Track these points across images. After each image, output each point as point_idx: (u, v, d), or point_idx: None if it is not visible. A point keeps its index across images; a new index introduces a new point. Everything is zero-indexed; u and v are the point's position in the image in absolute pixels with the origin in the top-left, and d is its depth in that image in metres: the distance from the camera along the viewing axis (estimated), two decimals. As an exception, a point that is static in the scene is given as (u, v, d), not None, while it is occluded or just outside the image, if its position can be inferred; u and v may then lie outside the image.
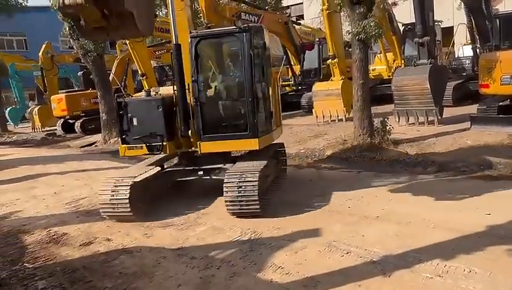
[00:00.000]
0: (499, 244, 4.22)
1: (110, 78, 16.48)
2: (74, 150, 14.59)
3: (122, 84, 17.79)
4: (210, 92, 6.51)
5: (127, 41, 14.21)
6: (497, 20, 12.11)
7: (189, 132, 6.20)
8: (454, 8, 21.26)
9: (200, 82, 6.12)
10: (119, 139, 6.43)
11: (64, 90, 20.08)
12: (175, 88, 6.14)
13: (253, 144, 6.07)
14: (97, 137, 15.40)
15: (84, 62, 15.03)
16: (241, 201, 5.51)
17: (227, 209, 5.63)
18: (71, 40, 13.98)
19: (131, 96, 5.98)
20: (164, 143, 6.12)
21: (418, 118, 10.67)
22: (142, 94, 6.69)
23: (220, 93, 6.68)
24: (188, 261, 4.51)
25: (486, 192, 5.91)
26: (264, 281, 3.94)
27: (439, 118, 10.43)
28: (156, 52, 18.58)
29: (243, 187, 5.48)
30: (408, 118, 10.86)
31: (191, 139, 6.29)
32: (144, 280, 4.20)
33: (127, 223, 5.85)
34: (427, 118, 10.49)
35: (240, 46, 6.04)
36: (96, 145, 14.71)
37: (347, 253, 4.34)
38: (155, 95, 6.64)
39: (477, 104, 10.42)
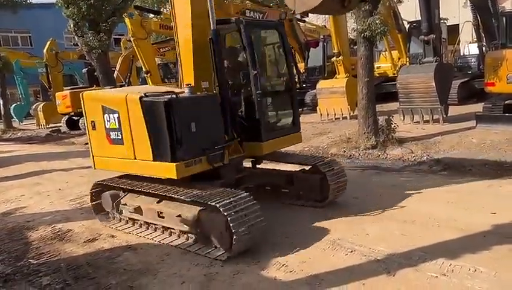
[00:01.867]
0: (504, 243, 4.19)
1: (115, 75, 16.55)
2: (79, 147, 14.62)
3: (127, 81, 17.84)
4: (267, 86, 5.98)
5: (132, 39, 14.23)
6: (504, 18, 12.01)
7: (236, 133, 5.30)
8: (460, 6, 21.17)
9: (260, 74, 5.35)
10: (167, 156, 4.56)
11: (68, 87, 20.15)
12: (216, 84, 5.20)
13: (298, 138, 5.97)
14: (101, 134, 15.42)
15: (88, 59, 15.05)
16: None
17: None
18: (75, 37, 13.98)
19: (148, 96, 4.67)
20: (224, 151, 4.98)
21: (423, 116, 10.62)
22: (175, 90, 5.19)
23: (271, 86, 6.23)
24: (192, 258, 4.51)
25: (492, 191, 5.88)
26: (268, 279, 3.94)
27: (445, 116, 10.38)
28: (161, 50, 18.61)
29: None
30: (413, 116, 10.82)
31: (234, 144, 5.32)
32: (148, 276, 4.20)
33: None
34: (432, 116, 10.44)
35: (279, 38, 5.81)
36: (100, 142, 14.72)
37: (351, 251, 4.32)
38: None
39: (483, 103, 10.37)
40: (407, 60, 15.55)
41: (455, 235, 4.50)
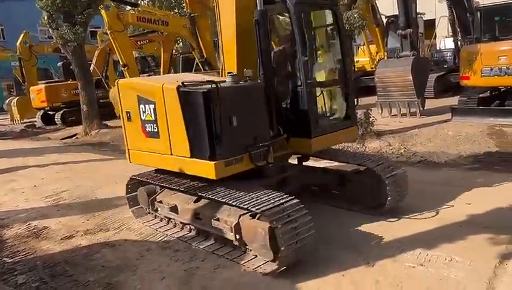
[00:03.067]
0: (479, 233, 4.29)
1: (91, 68, 16.21)
2: (54, 142, 14.30)
3: (104, 75, 17.51)
4: (318, 75, 5.22)
5: (108, 31, 13.95)
6: (478, 12, 12.26)
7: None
8: (436, 1, 21.47)
9: (310, 62, 4.74)
10: (205, 153, 4.09)
11: (43, 81, 19.65)
12: (261, 72, 4.61)
13: (353, 134, 5.39)
14: (78, 129, 15.14)
15: (63, 52, 14.71)
16: None
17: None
18: (50, 29, 13.65)
19: (185, 85, 4.18)
20: (269, 149, 4.43)
21: (400, 109, 10.79)
22: (215, 79, 4.49)
23: (324, 75, 5.42)
24: (172, 253, 4.47)
25: (467, 182, 6.01)
26: (249, 272, 3.94)
27: (421, 109, 10.56)
28: (138, 43, 18.28)
29: None
30: (391, 110, 10.97)
31: (281, 140, 4.82)
32: (127, 273, 4.15)
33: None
34: (409, 110, 10.61)
35: (334, 20, 5.14)
36: (77, 137, 14.45)
37: (329, 243, 4.36)
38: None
39: (458, 96, 10.59)
40: (385, 54, 15.74)
41: (431, 226, 4.59)
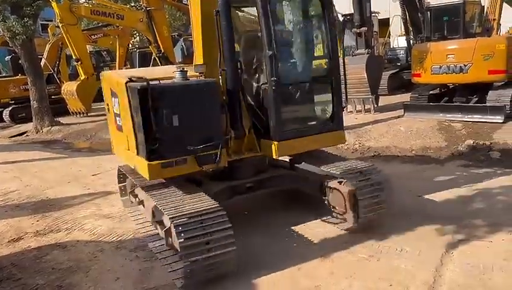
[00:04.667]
0: (428, 224, 4.48)
1: (42, 63, 15.53)
2: (3, 141, 13.59)
3: (55, 69, 16.83)
4: (288, 71, 4.71)
5: (60, 24, 13.41)
6: (429, 12, 12.77)
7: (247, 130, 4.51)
8: (390, 0, 22.14)
9: (278, 56, 4.22)
10: (143, 152, 3.87)
11: (-11, 76, 18.62)
12: (223, 68, 4.31)
13: (339, 138, 4.83)
14: (28, 126, 14.47)
15: (12, 46, 13.98)
16: None
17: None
18: (-4, 21, 12.93)
19: (133, 80, 3.91)
20: (221, 151, 4.07)
21: (355, 106, 11.06)
22: (174, 73, 4.07)
23: (303, 72, 4.92)
24: (126, 253, 4.37)
25: (417, 175, 6.27)
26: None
27: (376, 106, 10.87)
28: (92, 36, 17.68)
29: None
30: (347, 106, 11.21)
31: (248, 141, 4.57)
32: (80, 274, 4.01)
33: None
34: (364, 106, 10.89)
35: (319, 8, 4.63)
36: (27, 135, 13.81)
37: (287, 238, 4.42)
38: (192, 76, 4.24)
39: (410, 93, 10.99)
40: (341, 52, 16.05)
41: (383, 218, 4.73)
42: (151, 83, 3.79)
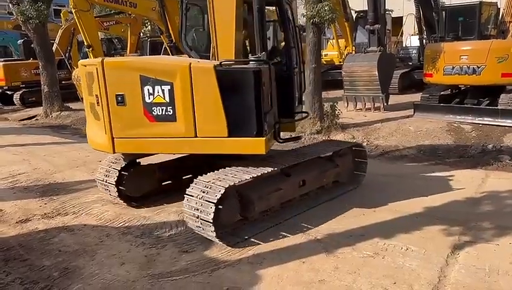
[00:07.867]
0: (434, 224, 4.47)
1: (54, 48, 15.58)
2: (12, 123, 13.72)
3: (67, 55, 16.88)
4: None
5: (73, 10, 13.42)
6: (444, 12, 12.64)
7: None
8: (404, -1, 21.95)
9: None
10: (253, 130, 4.20)
11: (2, 59, 18.72)
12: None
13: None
14: (38, 110, 14.55)
15: (24, 30, 14.02)
16: None
17: None
18: (10, 4, 12.98)
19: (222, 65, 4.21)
20: (279, 126, 4.76)
21: (365, 103, 11.00)
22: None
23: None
24: (133, 239, 4.40)
25: (425, 175, 6.24)
26: (211, 259, 3.93)
27: (385, 104, 10.81)
28: (104, 24, 17.69)
29: None
30: (356, 104, 11.17)
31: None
32: (86, 258, 4.05)
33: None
34: (374, 104, 10.84)
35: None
36: (36, 119, 13.89)
37: (291, 231, 4.43)
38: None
39: (421, 93, 10.91)
40: (353, 48, 15.95)
41: (389, 216, 4.74)
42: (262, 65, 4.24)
